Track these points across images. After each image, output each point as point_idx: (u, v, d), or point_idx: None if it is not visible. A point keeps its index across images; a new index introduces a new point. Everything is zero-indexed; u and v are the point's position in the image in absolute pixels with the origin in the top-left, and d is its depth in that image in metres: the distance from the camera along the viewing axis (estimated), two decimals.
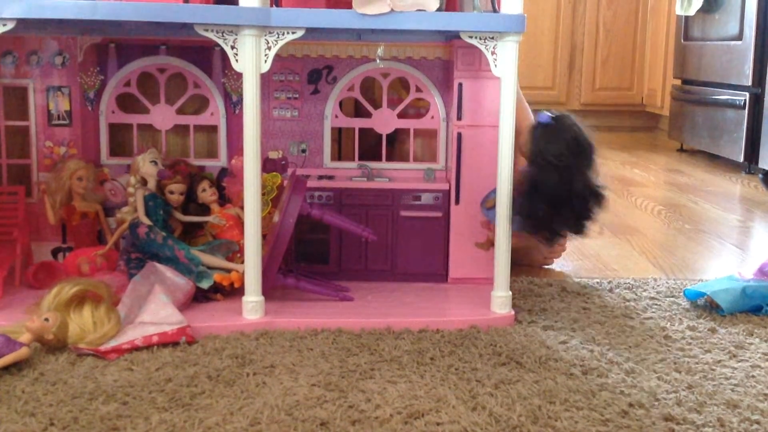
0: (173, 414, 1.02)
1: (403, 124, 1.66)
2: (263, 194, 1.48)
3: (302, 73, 1.65)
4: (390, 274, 1.60)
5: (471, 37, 1.34)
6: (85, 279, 1.37)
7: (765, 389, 1.14)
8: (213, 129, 1.67)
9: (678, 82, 4.14)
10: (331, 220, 1.47)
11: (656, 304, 1.53)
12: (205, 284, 1.41)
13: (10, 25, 1.26)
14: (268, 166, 1.56)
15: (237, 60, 1.31)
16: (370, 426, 1.00)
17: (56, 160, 1.60)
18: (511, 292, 1.41)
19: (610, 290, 1.62)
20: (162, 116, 1.65)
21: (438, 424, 1.01)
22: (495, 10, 1.41)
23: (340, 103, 1.67)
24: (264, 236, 1.39)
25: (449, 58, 1.60)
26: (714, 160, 3.70)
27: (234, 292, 1.43)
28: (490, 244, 1.52)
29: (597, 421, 1.03)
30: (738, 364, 1.24)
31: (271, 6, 1.38)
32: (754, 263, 1.60)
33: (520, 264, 1.75)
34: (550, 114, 1.39)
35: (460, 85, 1.54)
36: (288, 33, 1.32)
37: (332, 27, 1.35)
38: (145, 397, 1.07)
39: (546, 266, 1.82)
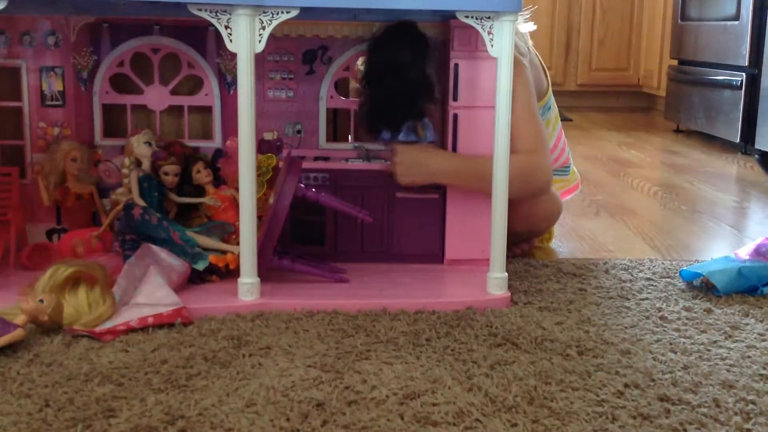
0: (169, 395, 1.02)
1: None
2: (258, 175, 1.47)
3: (297, 54, 1.63)
4: (386, 256, 1.59)
5: (467, 16, 1.33)
6: (80, 260, 1.37)
7: (760, 369, 1.15)
8: (207, 110, 1.66)
9: (674, 62, 4.13)
10: (327, 201, 1.47)
11: (652, 285, 1.53)
12: (200, 265, 1.40)
13: (2, 5, 1.25)
14: (263, 147, 1.55)
15: (231, 40, 1.30)
16: (366, 407, 1.00)
17: (50, 141, 1.59)
18: (506, 274, 1.41)
19: (606, 271, 1.62)
20: (156, 97, 1.64)
21: (434, 404, 1.01)
22: None
23: (336, 84, 1.66)
24: (259, 218, 1.39)
25: (445, 39, 1.59)
26: (710, 140, 3.70)
27: (229, 273, 1.42)
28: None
29: (593, 402, 1.03)
30: (734, 345, 1.24)
31: None
32: (750, 244, 1.60)
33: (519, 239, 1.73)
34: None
35: (456, 65, 1.53)
36: (282, 12, 1.31)
37: (327, 6, 1.34)
38: (140, 379, 1.07)
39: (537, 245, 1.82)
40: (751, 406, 1.03)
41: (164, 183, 1.49)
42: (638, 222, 2.13)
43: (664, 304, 1.43)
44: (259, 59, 1.58)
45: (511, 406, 1.01)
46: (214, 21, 1.29)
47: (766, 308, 1.41)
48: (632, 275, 1.59)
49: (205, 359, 1.14)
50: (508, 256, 1.43)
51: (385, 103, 1.52)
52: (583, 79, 4.89)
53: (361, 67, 1.58)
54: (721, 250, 1.83)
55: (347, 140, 1.69)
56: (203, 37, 1.62)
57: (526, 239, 1.76)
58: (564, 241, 1.90)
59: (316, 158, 1.62)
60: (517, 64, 1.56)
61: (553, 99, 1.83)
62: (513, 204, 1.46)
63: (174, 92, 1.65)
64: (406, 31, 1.52)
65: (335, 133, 1.71)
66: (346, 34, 1.62)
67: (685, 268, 1.56)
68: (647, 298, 1.46)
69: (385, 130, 1.55)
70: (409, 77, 1.50)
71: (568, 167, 1.90)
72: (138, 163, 1.48)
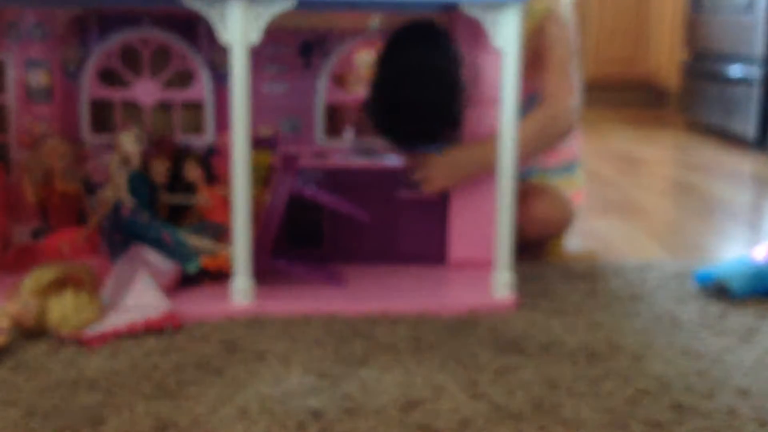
0: (159, 403, 1.02)
1: None
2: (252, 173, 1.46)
3: (293, 46, 1.63)
4: (387, 257, 1.59)
5: (471, 7, 1.33)
6: (67, 262, 1.36)
7: None
8: (200, 104, 1.65)
9: (687, 56, 4.13)
10: (324, 200, 1.46)
11: (664, 287, 1.53)
12: (192, 267, 1.40)
13: None
14: (258, 143, 1.55)
15: (225, 32, 1.29)
16: (365, 416, 1.00)
17: (36, 137, 1.59)
18: (513, 275, 1.41)
19: (616, 273, 1.62)
20: (146, 91, 1.64)
21: (436, 413, 1.01)
22: None
23: (334, 78, 1.66)
24: (254, 218, 1.38)
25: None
26: (724, 137, 3.69)
27: (222, 276, 1.41)
28: None
29: (602, 409, 1.02)
30: (749, 349, 1.24)
31: None
32: (766, 244, 1.60)
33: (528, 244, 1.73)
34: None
35: None
36: (278, 3, 1.30)
37: None
38: (129, 386, 1.07)
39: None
40: (766, 413, 1.02)
41: (154, 181, 1.49)
42: (649, 221, 2.13)
43: (677, 306, 1.42)
44: (254, 52, 1.58)
45: (517, 413, 1.01)
46: (207, 12, 1.29)
47: None
48: (643, 277, 1.59)
49: (198, 365, 1.13)
50: (515, 260, 1.43)
51: (427, 115, 1.46)
52: (592, 73, 4.88)
53: (379, 75, 1.49)
54: (736, 250, 1.83)
55: (345, 135, 1.69)
56: (195, 29, 1.62)
57: (536, 245, 1.76)
58: (572, 242, 1.89)
59: (313, 155, 1.61)
60: (562, 24, 1.60)
61: None
62: (522, 209, 1.46)
63: (165, 86, 1.64)
64: (430, 31, 1.47)
65: (333, 129, 1.71)
66: (344, 25, 1.61)
67: (698, 269, 1.56)
68: (659, 301, 1.45)
69: (428, 144, 1.52)
70: (450, 83, 1.45)
71: (574, 165, 1.87)
72: (127, 161, 1.48)
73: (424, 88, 1.44)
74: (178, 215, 1.52)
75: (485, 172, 1.52)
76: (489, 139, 1.49)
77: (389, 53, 1.48)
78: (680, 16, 4.25)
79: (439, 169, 1.52)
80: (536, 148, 1.62)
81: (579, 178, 1.87)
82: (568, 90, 1.62)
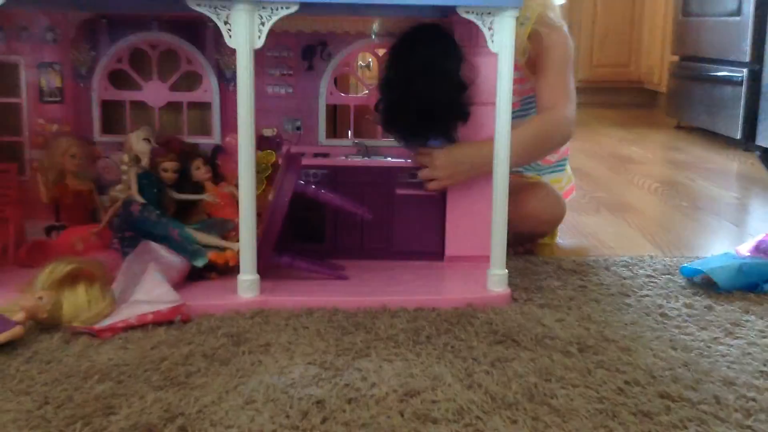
0: (168, 392, 1.03)
1: None
2: (257, 172, 1.47)
3: (296, 49, 1.64)
4: (386, 253, 1.59)
5: (468, 12, 1.34)
6: (79, 257, 1.37)
7: (761, 366, 1.15)
8: (206, 106, 1.66)
9: (676, 58, 4.14)
10: (326, 198, 1.47)
11: (653, 282, 1.53)
12: (199, 263, 1.41)
13: (1, 0, 1.25)
14: (262, 143, 1.56)
15: (230, 36, 1.30)
16: (365, 404, 1.01)
17: (48, 138, 1.59)
18: (507, 270, 1.42)
19: (607, 268, 1.62)
20: (155, 93, 1.64)
21: (434, 402, 1.01)
22: None
23: (335, 80, 1.67)
24: (259, 215, 1.39)
25: None
26: (711, 137, 3.70)
27: (229, 270, 1.43)
28: None
29: (593, 399, 1.03)
30: (734, 342, 1.24)
31: None
32: (750, 240, 1.61)
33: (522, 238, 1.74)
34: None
35: None
36: (282, 8, 1.31)
37: (327, 2, 1.34)
38: (139, 376, 1.07)
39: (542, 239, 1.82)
40: (751, 403, 1.03)
41: (163, 180, 1.49)
42: (639, 218, 2.13)
43: (665, 301, 1.43)
44: (258, 55, 1.58)
45: (511, 403, 1.02)
46: (213, 16, 1.29)
47: (767, 305, 1.41)
48: (633, 272, 1.60)
49: (205, 356, 1.14)
50: (509, 254, 1.43)
51: (437, 110, 1.48)
52: (585, 76, 4.90)
53: (389, 72, 1.51)
54: (722, 246, 1.84)
55: (347, 136, 1.70)
56: (202, 33, 1.62)
57: (529, 240, 1.77)
58: (565, 238, 1.90)
59: (316, 155, 1.62)
60: (557, 28, 1.62)
61: None
62: (517, 205, 1.46)
63: (173, 88, 1.65)
64: (436, 32, 1.49)
65: (335, 130, 1.71)
66: (345, 29, 1.62)
67: (685, 264, 1.56)
68: (648, 295, 1.46)
69: (438, 137, 1.53)
70: (456, 79, 1.47)
71: (564, 162, 1.88)
72: (137, 160, 1.48)
73: (432, 85, 1.46)
74: (185, 212, 1.53)
75: (487, 170, 1.53)
76: (489, 140, 1.49)
77: (398, 53, 1.50)
78: (671, 19, 4.26)
79: (443, 167, 1.53)
80: (533, 154, 1.62)
81: (568, 175, 1.88)
82: (565, 97, 1.61)
